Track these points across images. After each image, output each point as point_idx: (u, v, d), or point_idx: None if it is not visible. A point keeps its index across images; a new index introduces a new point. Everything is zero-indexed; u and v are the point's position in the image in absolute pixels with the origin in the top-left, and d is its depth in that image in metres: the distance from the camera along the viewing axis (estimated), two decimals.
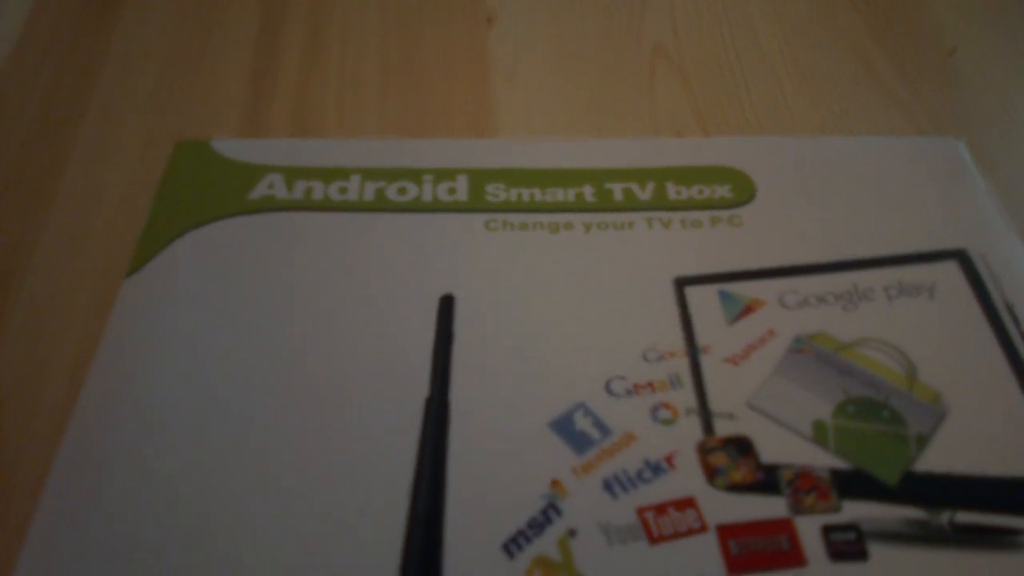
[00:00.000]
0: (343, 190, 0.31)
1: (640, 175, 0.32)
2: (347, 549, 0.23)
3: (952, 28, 0.40)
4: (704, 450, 0.25)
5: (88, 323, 0.29)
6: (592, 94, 0.37)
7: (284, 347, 0.27)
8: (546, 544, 0.23)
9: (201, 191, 0.31)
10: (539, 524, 0.23)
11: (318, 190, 0.31)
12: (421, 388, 0.26)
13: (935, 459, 0.25)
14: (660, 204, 0.31)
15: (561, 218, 0.31)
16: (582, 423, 0.25)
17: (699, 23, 0.40)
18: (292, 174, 0.32)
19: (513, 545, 0.23)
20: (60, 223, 0.32)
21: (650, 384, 0.26)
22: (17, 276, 0.30)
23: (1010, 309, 0.28)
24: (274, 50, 0.38)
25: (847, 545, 0.23)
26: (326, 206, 0.31)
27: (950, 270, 0.30)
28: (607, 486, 0.24)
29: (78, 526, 0.23)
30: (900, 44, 0.39)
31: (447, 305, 0.28)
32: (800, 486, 0.24)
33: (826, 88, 0.37)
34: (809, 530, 0.23)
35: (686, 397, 0.26)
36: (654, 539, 0.23)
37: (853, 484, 0.24)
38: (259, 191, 0.31)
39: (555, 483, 0.24)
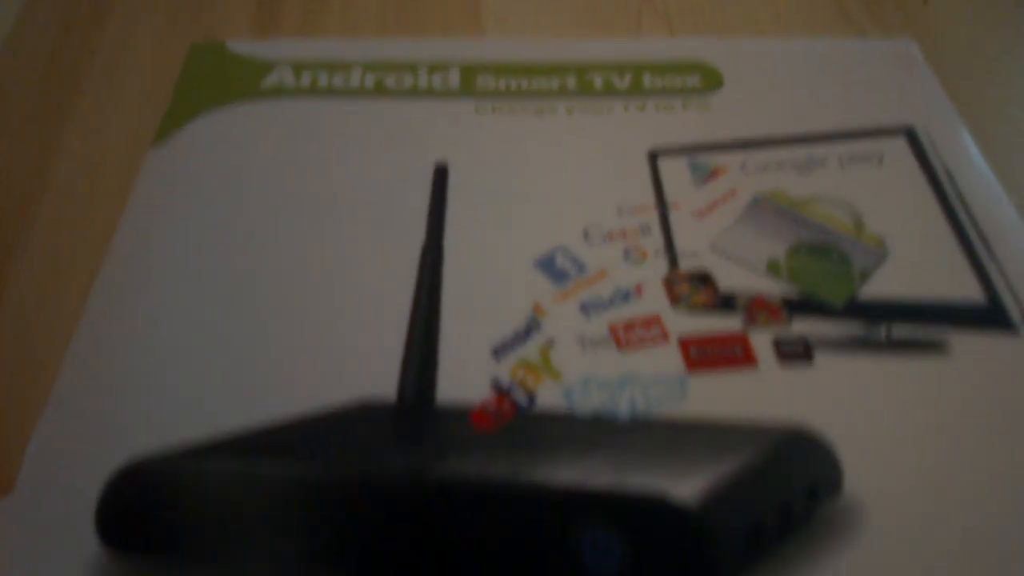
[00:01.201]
0: (346, 79, 0.35)
1: (618, 68, 0.35)
2: (358, 369, 0.26)
3: None
4: (669, 281, 0.28)
5: (117, 190, 0.32)
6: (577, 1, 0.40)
7: (294, 210, 0.30)
8: (528, 351, 0.26)
9: (217, 81, 0.34)
10: (522, 336, 0.26)
11: (323, 79, 0.35)
12: (419, 243, 0.29)
13: (876, 288, 0.28)
14: (636, 91, 0.34)
15: (545, 103, 0.34)
16: (562, 262, 0.28)
17: None
18: (299, 66, 0.35)
19: (499, 350, 0.26)
20: (87, 115, 0.35)
21: (623, 232, 0.29)
22: (55, 152, 0.33)
23: (949, 175, 0.31)
24: None
25: (794, 351, 0.26)
26: (330, 93, 0.34)
27: (898, 143, 0.33)
28: (582, 309, 0.27)
29: (102, 374, 0.26)
30: None
31: (441, 173, 0.31)
32: (754, 307, 0.27)
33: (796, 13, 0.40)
34: (761, 342, 0.26)
35: (655, 242, 0.29)
36: (622, 346, 0.26)
37: (802, 307, 0.27)
38: (269, 81, 0.34)
39: (537, 307, 0.27)
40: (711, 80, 0.35)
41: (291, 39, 0.37)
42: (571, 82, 0.35)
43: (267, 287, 0.28)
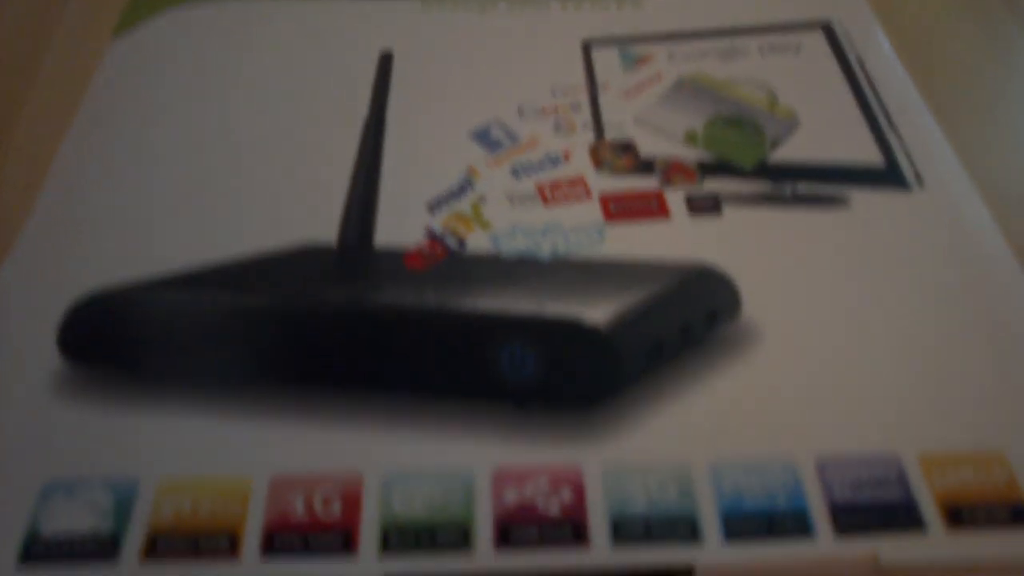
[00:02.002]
0: None
1: None
2: (304, 220, 0.28)
3: None
4: (595, 148, 0.30)
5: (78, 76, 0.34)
6: None
7: (252, 94, 0.32)
8: (461, 205, 0.28)
9: None
10: (456, 193, 0.29)
11: None
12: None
13: (785, 154, 0.30)
14: None
15: (488, 2, 0.36)
16: (496, 133, 0.31)
17: None
18: None
19: (434, 204, 0.28)
20: None
21: (555, 108, 0.32)
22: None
23: (860, 63, 0.34)
24: None
25: (704, 204, 0.28)
26: None
27: (816, 36, 0.35)
28: (513, 172, 0.29)
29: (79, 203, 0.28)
30: None
31: (386, 59, 0.33)
32: (671, 170, 0.29)
33: None
34: (675, 198, 0.29)
35: (584, 116, 0.31)
36: (548, 202, 0.28)
37: (716, 170, 0.30)
38: None
39: (472, 169, 0.29)
40: None
41: None
42: None
43: (225, 152, 0.30)
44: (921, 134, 0.31)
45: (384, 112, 0.31)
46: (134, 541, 0.21)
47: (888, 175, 0.29)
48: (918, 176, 0.29)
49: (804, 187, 0.29)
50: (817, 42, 0.35)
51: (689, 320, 0.25)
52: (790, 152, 0.30)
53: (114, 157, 0.29)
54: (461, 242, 0.27)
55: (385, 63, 0.33)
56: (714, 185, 0.29)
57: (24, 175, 0.30)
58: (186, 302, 0.24)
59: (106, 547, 0.21)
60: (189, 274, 0.26)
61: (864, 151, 0.30)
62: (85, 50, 0.35)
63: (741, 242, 0.27)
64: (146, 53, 0.33)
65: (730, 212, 0.28)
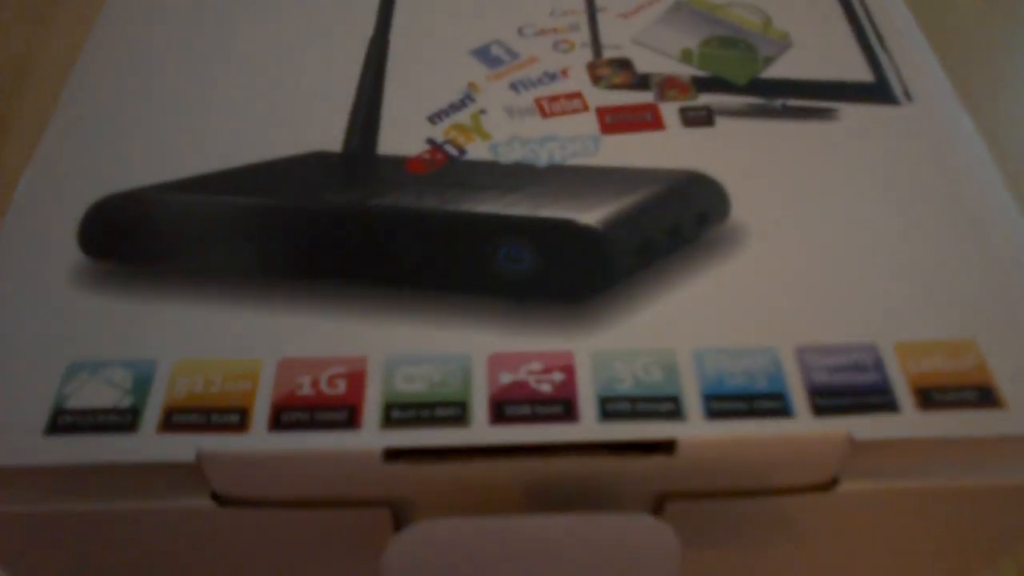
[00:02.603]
0: None
1: None
2: (313, 129, 0.29)
3: None
4: (592, 65, 0.31)
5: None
6: None
7: (263, 14, 0.33)
8: (462, 117, 0.29)
9: None
10: (457, 106, 0.30)
11: None
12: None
13: (777, 71, 0.31)
14: None
15: None
16: (496, 50, 0.32)
17: None
18: None
19: (436, 116, 0.29)
20: None
21: (554, 28, 0.33)
22: None
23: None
24: None
25: (697, 116, 0.29)
26: None
27: None
28: (512, 86, 0.30)
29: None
30: None
31: None
32: (666, 85, 0.30)
33: None
34: (670, 110, 0.30)
35: (583, 36, 0.32)
36: (546, 115, 0.29)
37: (710, 85, 0.30)
38: None
39: (472, 84, 0.30)
40: None
41: None
42: None
43: (234, 66, 0.31)
44: (912, 54, 0.32)
45: (388, 30, 0.32)
46: (152, 415, 0.22)
47: (877, 90, 0.30)
48: (907, 92, 0.30)
49: (795, 101, 0.30)
50: None
51: (679, 221, 0.26)
52: (782, 70, 0.31)
53: (123, 76, 0.31)
54: (461, 151, 0.28)
55: None
56: (708, 99, 0.30)
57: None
58: (198, 202, 0.26)
59: (126, 420, 0.22)
60: (202, 178, 0.27)
61: (855, 69, 0.31)
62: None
63: (733, 151, 0.28)
64: None
65: (722, 123, 0.29)
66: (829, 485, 0.23)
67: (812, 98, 0.30)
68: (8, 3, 0.61)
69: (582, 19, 0.33)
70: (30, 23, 0.59)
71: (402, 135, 0.29)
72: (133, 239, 0.25)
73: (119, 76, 0.30)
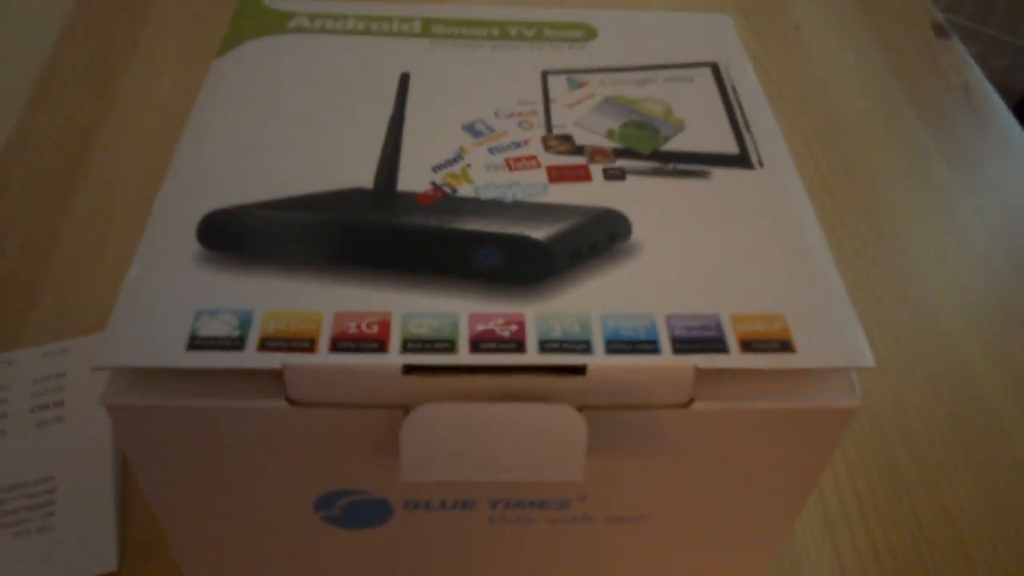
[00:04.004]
0: (344, 24, 0.52)
1: (527, 24, 0.53)
2: (349, 171, 0.42)
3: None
4: (545, 138, 0.45)
5: (188, 94, 0.48)
6: None
7: (315, 112, 0.47)
8: (455, 168, 0.43)
9: (257, 20, 0.52)
10: (451, 161, 0.43)
11: (328, 24, 0.52)
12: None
13: (672, 145, 0.45)
14: (539, 37, 0.52)
15: (476, 43, 0.51)
16: (479, 126, 0.46)
17: None
18: (313, 16, 0.52)
19: (437, 167, 0.43)
20: (155, 41, 0.52)
21: (520, 112, 0.47)
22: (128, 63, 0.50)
23: (734, 90, 0.49)
24: None
25: (614, 174, 0.43)
26: (332, 32, 0.51)
27: (705, 72, 0.50)
28: (490, 150, 0.44)
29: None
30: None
31: (404, 78, 0.48)
32: (595, 153, 0.44)
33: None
34: (596, 170, 0.44)
35: (540, 120, 0.46)
36: (512, 169, 0.43)
37: (624, 154, 0.45)
38: (293, 23, 0.52)
39: (462, 147, 0.44)
40: (589, 33, 0.53)
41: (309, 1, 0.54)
42: (495, 31, 0.52)
43: (310, 131, 0.44)
44: (767, 134, 0.46)
45: (404, 108, 0.46)
46: (252, 342, 0.35)
47: (740, 159, 0.44)
48: (760, 160, 0.44)
49: (681, 166, 0.44)
50: (706, 76, 0.50)
51: (597, 238, 0.39)
52: (676, 144, 0.45)
53: (226, 131, 0.44)
54: (454, 190, 0.42)
55: (404, 80, 0.48)
56: (623, 162, 0.44)
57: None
58: (277, 216, 0.39)
59: (236, 343, 0.35)
60: (280, 200, 0.40)
61: (726, 144, 0.45)
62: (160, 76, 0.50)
63: (637, 197, 0.42)
64: (245, 64, 0.48)
65: (632, 179, 0.43)
66: (687, 404, 0.36)
67: (694, 163, 0.44)
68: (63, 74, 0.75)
69: (540, 107, 0.47)
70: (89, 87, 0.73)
71: (414, 179, 0.42)
72: (232, 239, 0.39)
73: (227, 124, 0.44)
